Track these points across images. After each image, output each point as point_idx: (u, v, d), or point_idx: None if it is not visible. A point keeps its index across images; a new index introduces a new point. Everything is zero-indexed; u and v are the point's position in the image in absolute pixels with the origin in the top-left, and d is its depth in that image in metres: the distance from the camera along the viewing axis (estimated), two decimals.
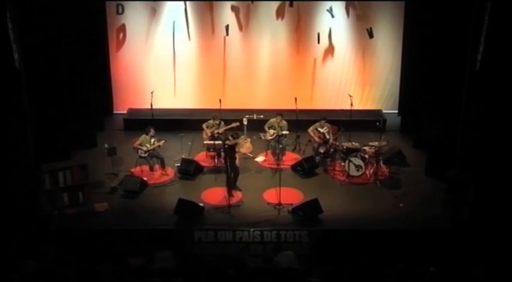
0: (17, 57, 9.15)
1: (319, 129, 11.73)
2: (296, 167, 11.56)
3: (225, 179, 10.48)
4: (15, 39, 9.08)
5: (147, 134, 11.17)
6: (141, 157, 11.19)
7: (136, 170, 11.28)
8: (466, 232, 9.32)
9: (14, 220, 9.11)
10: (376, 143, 11.26)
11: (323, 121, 11.75)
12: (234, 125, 11.62)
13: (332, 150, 11.67)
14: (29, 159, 9.61)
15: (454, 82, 10.70)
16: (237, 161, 10.61)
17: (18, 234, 8.86)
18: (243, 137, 11.85)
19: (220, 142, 11.31)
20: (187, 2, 13.13)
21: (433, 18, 12.00)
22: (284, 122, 11.87)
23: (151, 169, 11.29)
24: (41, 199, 9.73)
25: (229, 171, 10.37)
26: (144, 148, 11.08)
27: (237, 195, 10.45)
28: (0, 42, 8.88)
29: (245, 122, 11.83)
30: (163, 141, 11.28)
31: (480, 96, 9.65)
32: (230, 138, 10.44)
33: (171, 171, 11.38)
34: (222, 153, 10.60)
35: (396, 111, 13.89)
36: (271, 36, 13.61)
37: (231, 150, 10.40)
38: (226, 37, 13.39)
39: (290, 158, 11.98)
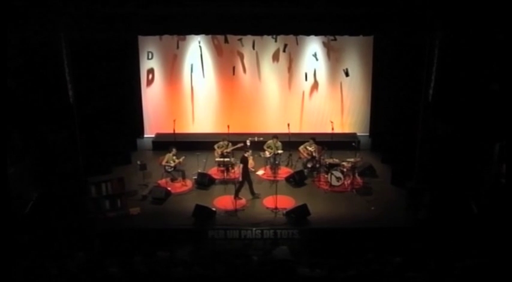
0: (71, 94, 9.44)
1: (308, 148, 11.83)
2: (289, 179, 11.58)
3: (232, 188, 10.53)
4: (70, 80, 9.40)
5: (170, 152, 11.34)
6: (167, 172, 11.32)
7: (162, 182, 11.37)
8: (424, 229, 9.44)
9: (68, 221, 9.28)
10: (352, 159, 11.41)
11: (310, 142, 11.87)
12: (239, 145, 11.70)
13: (317, 165, 11.77)
14: (79, 174, 9.87)
15: (413, 111, 10.85)
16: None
17: (71, 232, 9.01)
18: (249, 152, 12.04)
19: (228, 159, 11.47)
20: (202, 48, 13.29)
21: (395, 61, 12.31)
22: (279, 143, 11.96)
23: (173, 180, 11.36)
24: (88, 205, 9.89)
25: (245, 180, 10.53)
26: (172, 164, 11.24)
27: (242, 201, 10.52)
28: (58, 82, 9.21)
29: (248, 143, 11.84)
30: (183, 157, 11.41)
31: (432, 122, 9.89)
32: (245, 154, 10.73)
33: (189, 183, 11.45)
34: (239, 166, 10.64)
35: (368, 134, 13.90)
36: (268, 75, 13.71)
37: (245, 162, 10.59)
38: (233, 76, 13.52)
39: (284, 171, 12.02)
